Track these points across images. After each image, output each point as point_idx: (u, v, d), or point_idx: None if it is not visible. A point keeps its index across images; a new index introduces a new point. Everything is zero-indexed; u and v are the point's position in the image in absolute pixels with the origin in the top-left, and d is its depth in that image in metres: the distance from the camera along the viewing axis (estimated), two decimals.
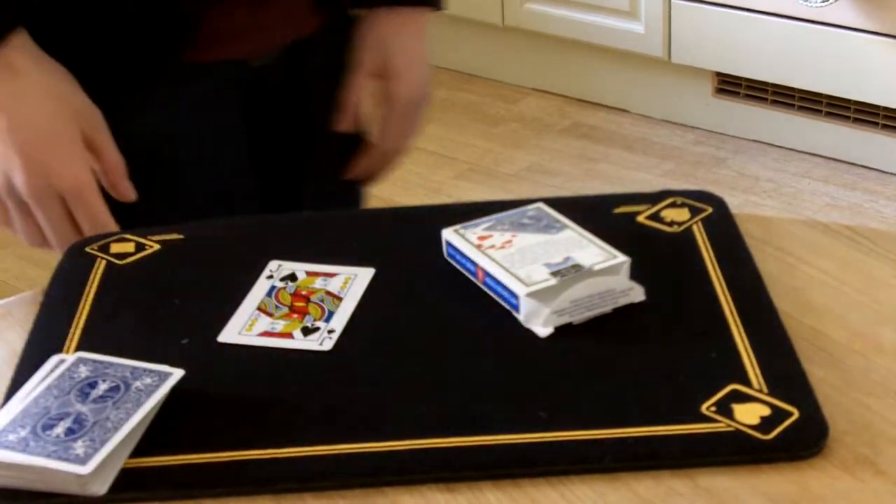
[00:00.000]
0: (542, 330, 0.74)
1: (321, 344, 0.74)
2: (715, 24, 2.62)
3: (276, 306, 0.78)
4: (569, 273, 0.75)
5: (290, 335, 0.75)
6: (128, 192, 0.93)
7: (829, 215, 2.46)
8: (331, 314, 0.77)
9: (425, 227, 0.85)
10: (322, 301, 0.78)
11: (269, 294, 0.79)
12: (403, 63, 1.04)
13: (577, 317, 0.74)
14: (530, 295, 0.74)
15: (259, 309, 0.78)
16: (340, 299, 0.78)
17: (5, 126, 0.89)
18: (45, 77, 0.90)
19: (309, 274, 0.81)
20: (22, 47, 0.89)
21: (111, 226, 0.91)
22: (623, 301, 0.76)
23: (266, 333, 0.75)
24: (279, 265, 0.81)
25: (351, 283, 0.80)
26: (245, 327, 0.76)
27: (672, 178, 2.61)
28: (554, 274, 0.75)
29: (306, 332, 0.75)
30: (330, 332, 0.75)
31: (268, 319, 0.77)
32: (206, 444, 0.68)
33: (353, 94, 1.05)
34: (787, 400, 0.68)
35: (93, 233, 0.90)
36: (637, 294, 0.76)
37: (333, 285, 0.80)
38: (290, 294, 0.79)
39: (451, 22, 2.90)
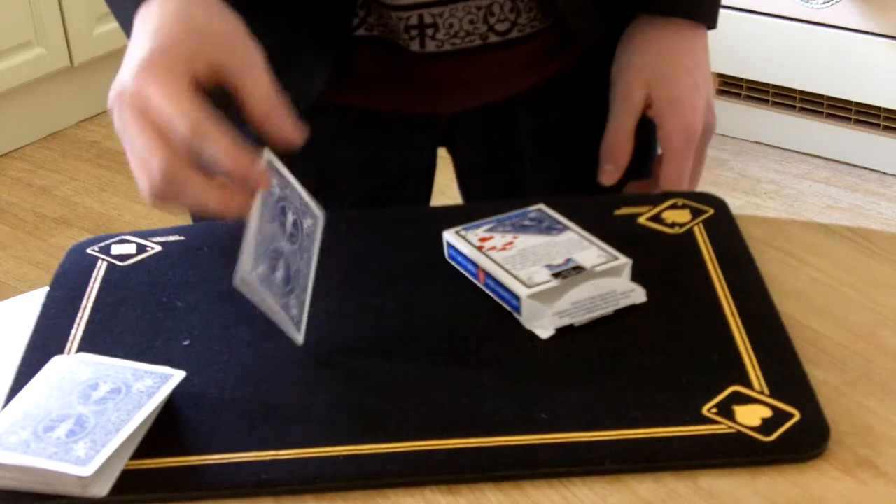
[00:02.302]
0: (544, 332, 0.74)
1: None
2: None
3: None
4: (570, 275, 0.75)
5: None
6: (285, 130, 0.74)
7: (830, 217, 2.46)
8: None
9: (426, 227, 0.85)
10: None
11: None
12: (678, 94, 0.92)
13: (579, 318, 0.74)
14: (532, 297, 0.74)
15: None
16: None
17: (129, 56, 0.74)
18: (185, 4, 0.76)
19: None
20: None
21: (243, 155, 0.72)
22: (624, 302, 0.76)
23: None
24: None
25: None
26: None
27: None
28: (555, 275, 0.75)
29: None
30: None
31: None
32: (207, 445, 0.68)
33: (617, 137, 0.93)
34: (788, 401, 0.68)
35: (234, 168, 0.71)
36: (638, 295, 0.76)
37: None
38: None
39: None
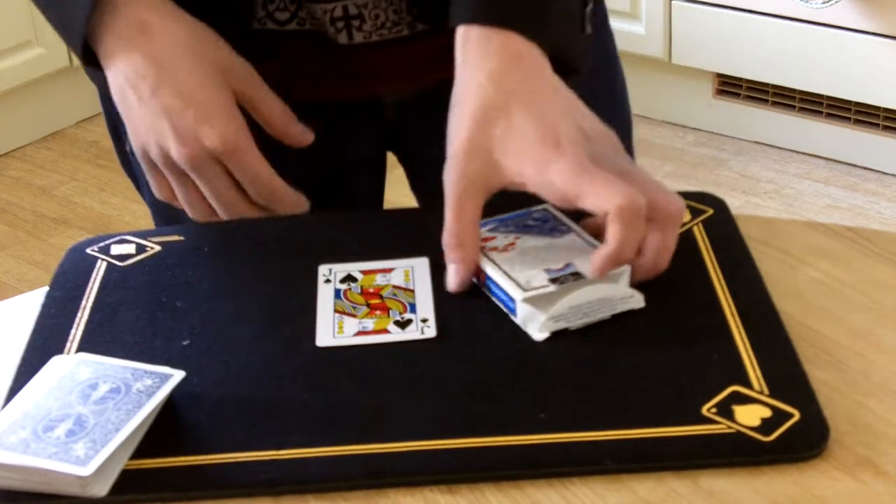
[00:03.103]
0: (538, 334, 0.74)
1: (423, 332, 0.75)
2: (716, 26, 2.63)
3: (354, 307, 0.78)
4: (567, 280, 0.75)
5: (385, 331, 0.75)
6: (302, 135, 0.88)
7: (829, 216, 2.46)
8: (412, 305, 0.77)
9: (424, 227, 0.85)
10: (395, 295, 0.78)
11: (337, 297, 0.79)
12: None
13: (575, 322, 0.74)
14: (526, 300, 0.74)
15: (337, 311, 0.78)
16: (412, 290, 0.79)
17: (148, 93, 0.83)
18: (184, 34, 0.84)
19: (364, 272, 0.81)
20: (154, 4, 0.84)
21: (275, 183, 0.85)
22: (622, 308, 0.75)
23: (361, 333, 0.76)
24: (330, 269, 0.81)
25: (412, 273, 0.80)
26: (336, 331, 0.76)
27: (673, 179, 2.61)
28: (553, 280, 0.75)
29: (400, 325, 0.76)
30: (423, 320, 0.76)
31: (353, 320, 0.77)
32: (207, 445, 0.68)
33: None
34: (787, 401, 0.68)
35: (260, 196, 0.85)
36: (637, 301, 0.76)
37: (397, 279, 0.80)
38: (359, 294, 0.79)
39: None
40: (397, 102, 1.01)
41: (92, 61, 0.86)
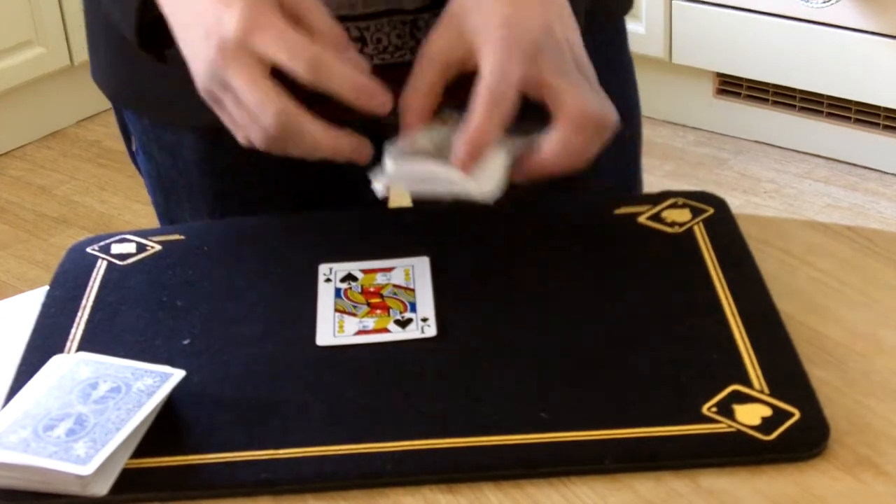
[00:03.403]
0: (376, 185, 0.74)
1: (423, 332, 0.75)
2: (716, 25, 2.62)
3: (354, 306, 0.78)
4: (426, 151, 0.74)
5: (385, 330, 0.75)
6: (359, 60, 0.75)
7: (830, 216, 2.46)
8: (413, 304, 0.77)
9: (424, 226, 0.85)
10: (395, 294, 0.78)
11: (338, 296, 0.79)
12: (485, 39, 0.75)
13: (413, 188, 0.75)
14: (387, 151, 0.74)
15: (338, 311, 0.78)
16: (412, 289, 0.79)
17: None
18: None
19: (365, 272, 0.81)
20: None
21: (313, 48, 0.72)
22: (460, 193, 0.74)
23: (361, 332, 0.76)
24: (331, 268, 0.81)
25: (413, 272, 0.80)
26: (336, 330, 0.76)
27: (673, 178, 2.61)
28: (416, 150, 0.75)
29: (400, 324, 0.76)
30: (424, 319, 0.76)
31: (354, 319, 0.77)
32: (207, 444, 0.68)
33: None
34: (788, 401, 0.68)
35: (307, 71, 0.72)
36: (480, 192, 0.74)
37: (397, 278, 0.80)
38: (360, 293, 0.79)
39: None
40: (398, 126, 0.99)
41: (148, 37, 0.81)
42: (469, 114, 0.73)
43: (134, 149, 1.02)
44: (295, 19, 0.74)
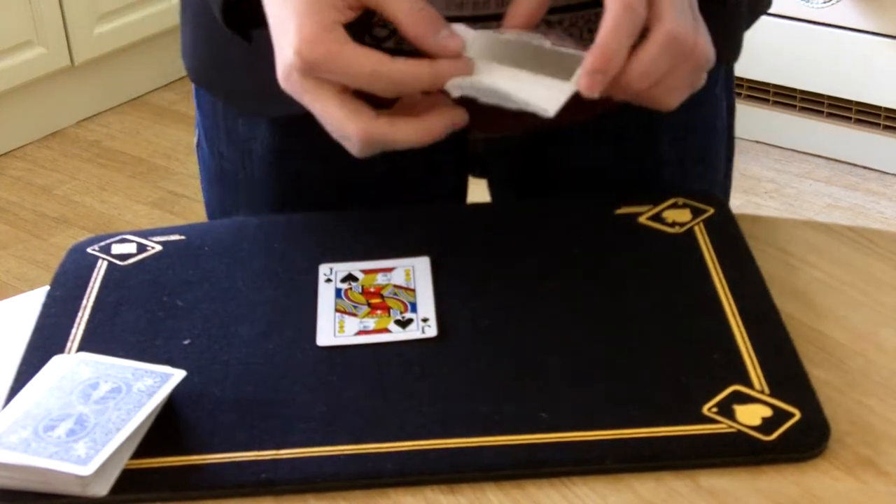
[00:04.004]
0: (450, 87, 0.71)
1: (423, 332, 0.75)
2: None
3: (354, 306, 0.78)
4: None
5: (386, 330, 0.76)
6: (447, 42, 0.72)
7: (830, 216, 2.46)
8: (413, 304, 0.77)
9: (424, 226, 0.85)
10: (396, 294, 0.79)
11: (338, 296, 0.79)
12: None
13: (484, 98, 0.72)
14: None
15: (338, 311, 0.78)
16: (413, 290, 0.79)
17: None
18: None
19: (365, 272, 0.81)
20: None
21: (386, 67, 0.70)
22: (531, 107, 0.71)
23: (362, 332, 0.76)
24: (331, 268, 0.81)
25: (413, 273, 0.80)
26: (337, 330, 0.76)
27: None
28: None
29: (400, 324, 0.76)
30: (424, 320, 0.76)
31: (354, 319, 0.77)
32: (207, 444, 0.68)
33: (608, 36, 0.70)
34: (788, 401, 0.68)
35: (382, 90, 0.71)
36: (547, 105, 0.71)
37: (398, 278, 0.80)
38: (360, 293, 0.79)
39: None
40: (484, 140, 0.96)
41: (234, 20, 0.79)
42: (600, 27, 0.69)
43: (196, 141, 1.01)
44: (377, 7, 0.71)
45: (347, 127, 0.71)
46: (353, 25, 0.72)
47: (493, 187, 1.02)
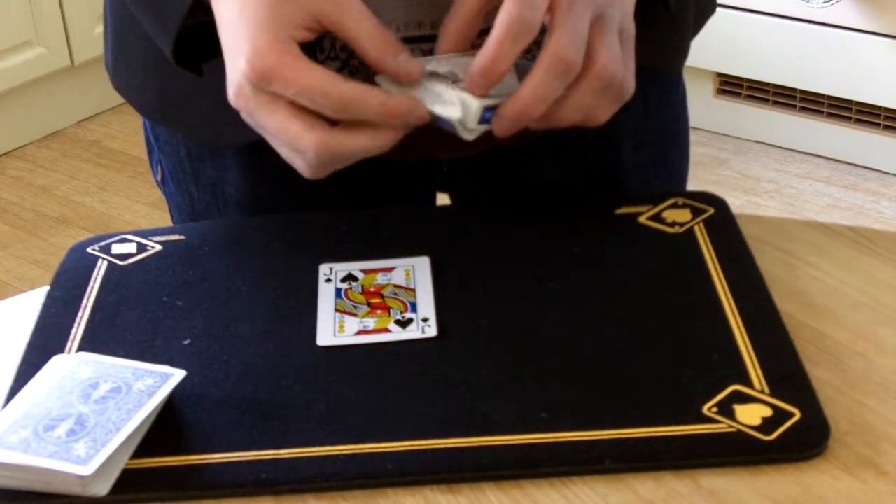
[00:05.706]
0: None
1: (423, 332, 0.75)
2: (716, 25, 2.62)
3: (354, 306, 0.78)
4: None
5: (386, 330, 0.76)
6: (406, 66, 0.72)
7: (830, 216, 2.46)
8: (413, 304, 0.77)
9: (424, 226, 0.85)
10: (396, 294, 0.79)
11: (338, 296, 0.79)
12: None
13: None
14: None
15: (338, 311, 0.78)
16: (413, 290, 0.79)
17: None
18: None
19: (365, 272, 0.81)
20: None
21: (337, 90, 0.69)
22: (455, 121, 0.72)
23: (362, 332, 0.76)
24: (331, 268, 0.81)
25: (413, 272, 0.80)
26: (337, 330, 0.76)
27: None
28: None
29: (400, 324, 0.76)
30: (424, 319, 0.76)
31: (354, 319, 0.77)
32: (207, 444, 0.68)
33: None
34: (788, 401, 0.68)
35: (334, 111, 0.70)
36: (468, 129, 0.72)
37: (398, 278, 0.80)
38: (360, 293, 0.79)
39: None
40: (452, 160, 0.96)
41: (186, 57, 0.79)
42: (489, 36, 0.69)
43: (160, 178, 0.99)
44: (336, 31, 0.71)
45: (302, 139, 0.70)
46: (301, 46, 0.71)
47: (457, 203, 1.01)
